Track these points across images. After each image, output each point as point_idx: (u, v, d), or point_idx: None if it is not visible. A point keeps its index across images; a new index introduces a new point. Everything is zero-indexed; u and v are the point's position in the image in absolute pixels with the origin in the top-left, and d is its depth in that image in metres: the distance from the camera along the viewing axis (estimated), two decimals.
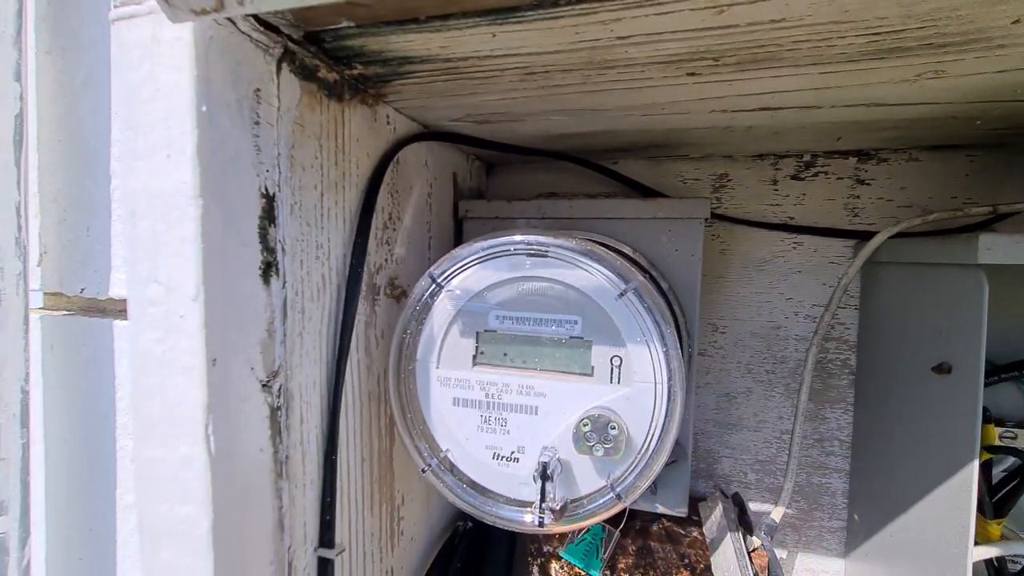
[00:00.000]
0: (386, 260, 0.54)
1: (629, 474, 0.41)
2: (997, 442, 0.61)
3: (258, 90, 0.36)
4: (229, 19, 0.32)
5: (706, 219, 0.63)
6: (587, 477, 0.42)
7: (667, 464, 0.61)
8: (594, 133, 0.64)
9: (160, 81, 0.31)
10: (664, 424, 0.40)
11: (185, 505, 0.32)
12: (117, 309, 0.59)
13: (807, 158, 0.74)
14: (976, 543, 0.59)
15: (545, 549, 0.68)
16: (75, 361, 0.60)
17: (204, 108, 0.31)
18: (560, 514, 0.40)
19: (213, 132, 0.32)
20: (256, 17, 0.34)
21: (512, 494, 0.44)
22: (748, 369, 0.77)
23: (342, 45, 0.39)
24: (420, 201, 0.61)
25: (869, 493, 0.69)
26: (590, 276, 0.42)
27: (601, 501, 0.41)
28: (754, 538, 0.63)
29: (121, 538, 0.59)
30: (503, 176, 0.86)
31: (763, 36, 0.37)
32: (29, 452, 0.60)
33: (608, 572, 0.65)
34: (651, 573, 0.64)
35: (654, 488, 0.63)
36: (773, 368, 0.76)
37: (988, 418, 0.61)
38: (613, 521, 0.65)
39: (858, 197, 0.73)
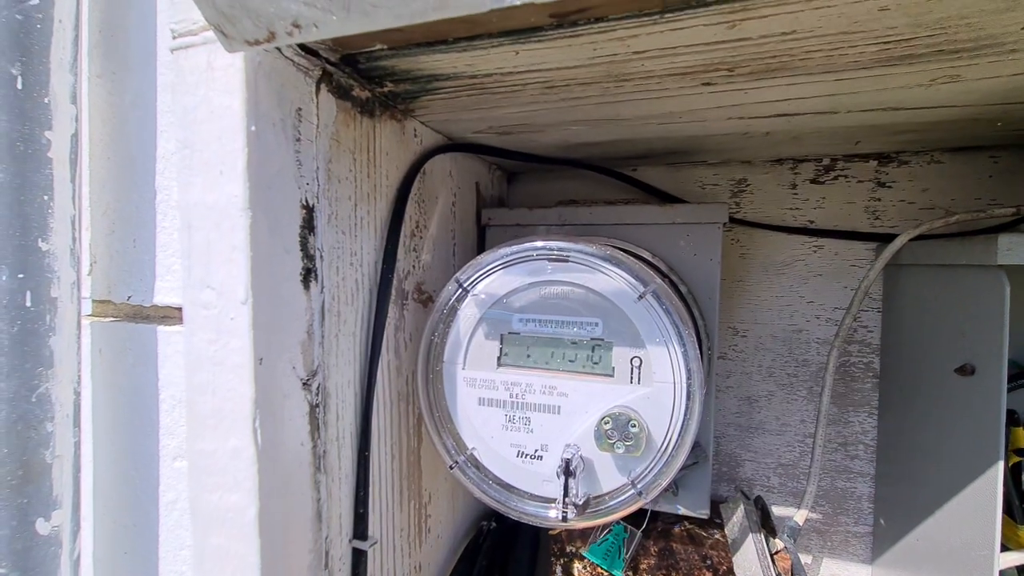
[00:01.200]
0: (413, 266, 0.56)
1: (649, 472, 0.42)
2: None
3: (299, 109, 0.39)
4: (275, 47, 0.35)
5: (724, 223, 0.64)
6: (609, 474, 0.44)
7: (688, 466, 0.62)
8: (613, 142, 0.66)
9: (214, 104, 0.34)
10: (683, 423, 0.42)
11: (234, 493, 0.35)
12: (160, 316, 0.63)
13: (826, 162, 0.75)
14: (1005, 548, 0.59)
15: (568, 549, 0.69)
16: (121, 365, 0.64)
17: (253, 128, 0.34)
18: (583, 509, 0.42)
19: (260, 149, 0.35)
20: (298, 43, 0.37)
21: (536, 490, 0.46)
22: (769, 372, 0.78)
23: (375, 66, 0.42)
24: (445, 210, 0.64)
25: (895, 498, 0.69)
26: (610, 280, 0.44)
27: (622, 498, 0.43)
28: (777, 540, 0.63)
29: (163, 535, 0.62)
30: (523, 185, 0.88)
31: (775, 48, 0.38)
32: (80, 450, 0.64)
33: (630, 573, 0.65)
34: (673, 574, 0.65)
35: (675, 489, 0.63)
36: (795, 371, 0.77)
37: (1016, 420, 0.60)
38: (635, 522, 0.66)
39: (879, 200, 0.73)
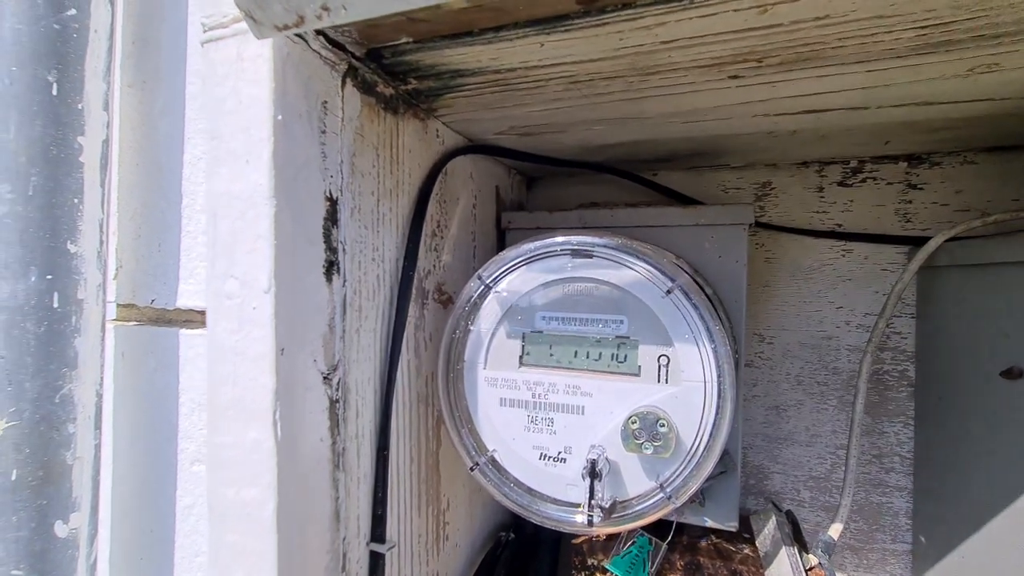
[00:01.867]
0: (434, 266, 0.56)
1: (678, 475, 0.40)
2: None
3: (325, 102, 0.39)
4: (302, 37, 0.36)
5: (750, 225, 0.63)
6: (635, 477, 0.42)
7: (715, 475, 0.59)
8: (635, 142, 0.65)
9: (242, 94, 0.34)
10: (715, 423, 0.40)
11: (252, 488, 0.34)
12: (183, 319, 0.64)
13: (854, 164, 0.73)
14: None
15: (590, 562, 0.66)
16: (143, 368, 0.64)
17: (280, 117, 0.34)
18: (609, 513, 0.40)
19: (287, 139, 0.35)
20: (325, 36, 0.37)
21: (559, 495, 0.44)
22: (798, 381, 0.75)
23: (399, 60, 0.42)
24: (466, 211, 0.64)
25: (936, 513, 0.65)
26: (635, 275, 0.43)
27: (651, 502, 0.41)
28: (810, 556, 0.60)
29: (179, 540, 0.61)
30: (543, 189, 0.88)
31: (807, 34, 0.38)
32: (100, 452, 0.64)
33: None
34: None
35: (702, 500, 0.61)
36: (825, 380, 0.74)
37: None
38: (660, 534, 0.63)
39: (910, 202, 0.71)
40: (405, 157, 0.50)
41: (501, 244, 0.73)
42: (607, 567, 0.63)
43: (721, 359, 0.41)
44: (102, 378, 0.65)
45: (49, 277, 0.56)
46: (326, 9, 0.27)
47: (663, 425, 0.40)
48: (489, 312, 0.47)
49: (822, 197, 0.74)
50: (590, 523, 0.40)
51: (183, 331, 0.63)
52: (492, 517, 0.72)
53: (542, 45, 0.39)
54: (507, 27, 0.36)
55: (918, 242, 0.69)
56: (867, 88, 0.47)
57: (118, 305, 0.67)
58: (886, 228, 0.72)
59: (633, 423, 0.40)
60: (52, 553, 0.57)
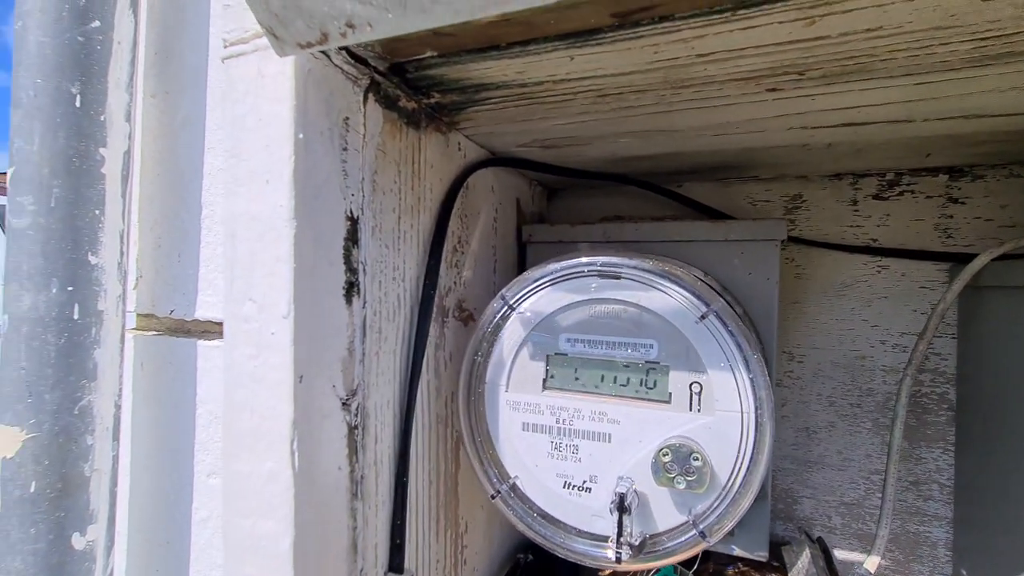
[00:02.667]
0: (455, 283, 0.54)
1: (712, 511, 0.38)
2: None
3: (347, 118, 0.37)
4: (324, 52, 0.34)
5: (782, 241, 0.60)
6: (666, 511, 0.40)
7: None
8: (662, 155, 0.63)
9: (262, 112, 0.33)
10: (753, 456, 0.38)
11: (268, 520, 0.33)
12: (201, 330, 0.63)
13: (891, 176, 0.70)
14: None
15: None
16: (161, 379, 0.64)
17: (301, 135, 0.33)
18: (639, 550, 0.38)
19: (308, 158, 0.33)
20: (348, 51, 0.36)
21: (584, 526, 0.42)
22: (830, 402, 0.72)
23: (423, 75, 0.41)
24: (487, 225, 0.62)
25: (979, 546, 0.62)
26: (667, 298, 0.41)
27: (683, 539, 0.39)
28: None
29: (194, 554, 0.61)
30: (564, 201, 0.86)
31: (855, 47, 0.35)
32: (118, 464, 0.64)
33: None
34: None
35: (731, 528, 0.58)
36: (859, 401, 0.71)
37: None
38: (686, 562, 0.61)
39: (951, 217, 0.67)
40: (427, 172, 0.49)
41: (522, 258, 0.72)
42: None
43: (759, 388, 0.38)
44: (121, 389, 0.64)
45: (70, 288, 0.56)
46: (351, 26, 0.26)
47: (697, 459, 0.38)
48: (512, 333, 0.46)
49: (856, 211, 0.71)
50: (618, 560, 0.38)
51: (201, 342, 0.62)
52: (510, 538, 0.70)
53: (571, 59, 0.38)
54: (536, 41, 0.35)
55: (960, 259, 0.66)
56: (914, 101, 0.44)
57: (137, 315, 0.67)
58: (925, 244, 0.68)
59: (665, 455, 0.38)
60: (69, 566, 0.57)
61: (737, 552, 0.59)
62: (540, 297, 0.45)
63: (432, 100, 0.46)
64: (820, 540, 0.65)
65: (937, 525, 0.67)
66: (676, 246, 0.64)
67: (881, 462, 0.69)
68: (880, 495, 0.69)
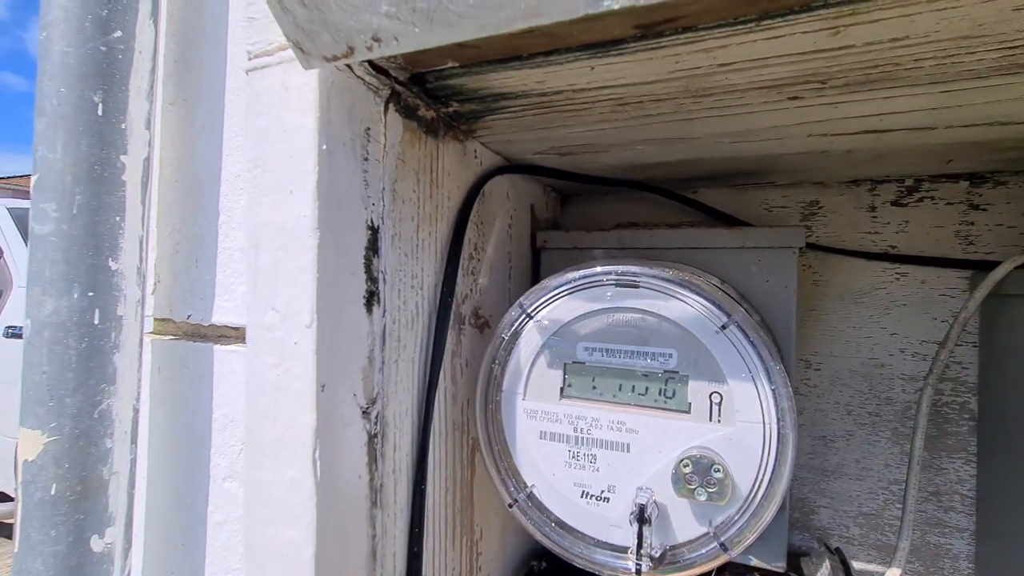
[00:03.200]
0: (471, 290, 0.54)
1: (733, 523, 0.38)
2: None
3: (368, 129, 0.38)
4: (348, 64, 0.35)
5: (800, 248, 0.59)
6: (685, 523, 0.40)
7: None
8: (679, 162, 0.63)
9: (286, 124, 0.33)
10: (775, 469, 0.37)
11: (291, 528, 0.33)
12: (218, 335, 0.64)
13: (909, 183, 0.69)
14: None
15: None
16: (178, 383, 0.64)
17: (324, 146, 0.33)
18: (660, 562, 0.38)
19: (331, 168, 0.34)
20: (370, 62, 0.36)
21: (602, 536, 0.42)
22: (848, 410, 0.71)
23: (443, 84, 0.41)
24: (502, 232, 0.62)
25: (1004, 557, 0.61)
26: (687, 307, 0.41)
27: (703, 551, 0.38)
28: None
29: (210, 557, 0.61)
30: (578, 207, 0.86)
31: (880, 56, 0.35)
32: (136, 467, 0.64)
33: None
34: None
35: None
36: (877, 410, 0.70)
37: None
38: (703, 573, 0.60)
39: (972, 224, 0.66)
40: (444, 180, 0.49)
41: (536, 264, 0.72)
42: None
43: (781, 399, 0.38)
44: (139, 393, 0.65)
45: (91, 294, 0.56)
46: (377, 40, 0.26)
47: (718, 470, 0.37)
48: (529, 341, 0.46)
49: (874, 217, 0.70)
50: (639, 572, 0.38)
51: (218, 347, 0.63)
52: (523, 545, 0.70)
53: (592, 68, 0.38)
54: (558, 52, 0.35)
55: (981, 266, 0.65)
56: (938, 109, 0.44)
57: (155, 319, 0.68)
58: (945, 251, 0.67)
59: (685, 466, 0.38)
60: (87, 568, 0.57)
61: (755, 563, 0.59)
62: (558, 305, 0.45)
63: (451, 109, 0.46)
64: (839, 551, 0.64)
65: (959, 537, 0.66)
66: (692, 253, 0.63)
67: (900, 472, 0.68)
68: (900, 506, 0.68)
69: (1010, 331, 0.61)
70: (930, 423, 0.67)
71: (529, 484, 0.45)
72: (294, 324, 0.33)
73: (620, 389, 0.44)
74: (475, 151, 0.55)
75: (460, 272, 0.52)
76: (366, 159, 0.38)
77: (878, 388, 0.70)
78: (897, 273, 0.69)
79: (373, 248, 0.38)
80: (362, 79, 0.37)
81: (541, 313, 0.45)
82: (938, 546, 0.67)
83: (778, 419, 0.37)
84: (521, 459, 0.46)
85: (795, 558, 0.63)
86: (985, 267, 0.59)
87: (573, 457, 0.44)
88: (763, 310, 0.60)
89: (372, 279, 0.38)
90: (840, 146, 0.55)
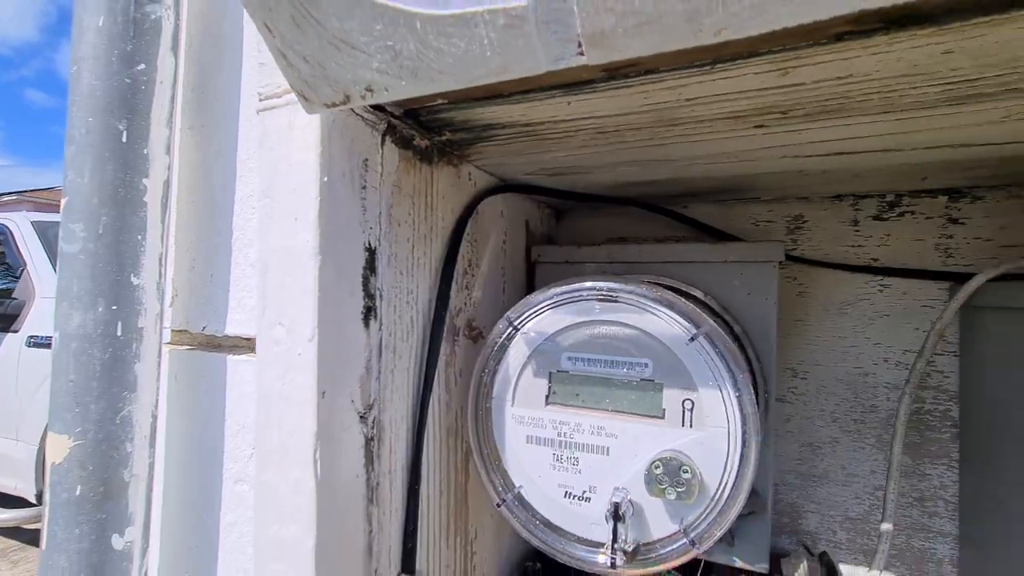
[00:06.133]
0: (465, 303, 0.58)
1: (702, 520, 0.41)
2: None
3: (366, 160, 0.42)
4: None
5: (780, 262, 0.62)
6: (659, 521, 0.43)
7: (744, 515, 0.59)
8: (662, 181, 0.66)
9: (293, 159, 0.37)
10: (739, 470, 0.40)
11: (294, 524, 0.37)
12: (231, 345, 0.68)
13: (891, 198, 0.72)
14: None
15: None
16: (194, 391, 0.69)
17: (326, 179, 0.37)
18: (632, 556, 0.41)
19: (331, 198, 0.38)
20: None
21: (584, 533, 0.45)
22: (833, 418, 0.73)
23: (435, 118, 0.45)
24: (496, 248, 0.66)
25: (986, 562, 0.62)
26: (660, 321, 0.44)
27: (674, 547, 0.41)
28: None
29: (222, 556, 0.65)
30: (572, 221, 0.89)
31: (830, 91, 0.38)
32: (154, 471, 0.68)
33: None
34: None
35: (731, 539, 0.60)
36: (862, 417, 0.72)
37: None
38: (687, 572, 0.63)
39: (951, 237, 0.69)
40: (439, 203, 0.53)
41: (531, 277, 0.75)
42: None
43: (745, 405, 0.41)
44: (157, 400, 0.69)
45: (114, 307, 0.61)
46: (370, 91, 0.30)
47: (686, 471, 0.40)
48: (517, 352, 0.49)
49: (857, 231, 0.73)
50: (612, 565, 0.41)
51: (231, 356, 0.67)
52: (518, 547, 0.73)
53: (569, 103, 0.41)
54: (534, 91, 0.39)
55: (960, 278, 0.67)
56: (898, 134, 0.47)
57: (172, 331, 0.72)
58: (926, 263, 0.70)
59: (657, 468, 0.41)
60: (108, 565, 0.61)
61: (738, 564, 0.61)
62: (543, 319, 0.48)
63: (444, 137, 0.50)
64: (824, 555, 0.66)
65: (942, 541, 0.68)
66: (678, 267, 0.67)
67: (885, 478, 0.70)
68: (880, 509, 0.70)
69: (986, 341, 0.63)
70: (913, 430, 0.70)
71: (517, 485, 0.48)
72: (298, 337, 0.37)
73: (601, 396, 0.47)
74: (469, 173, 0.59)
75: (455, 287, 0.56)
76: (364, 187, 0.42)
77: (862, 396, 0.72)
78: (880, 285, 0.72)
79: (371, 268, 0.42)
80: (361, 116, 0.41)
81: (527, 325, 0.49)
82: (923, 550, 0.69)
83: (742, 423, 0.40)
84: (510, 462, 0.49)
85: (776, 560, 0.65)
86: (963, 279, 0.61)
87: (557, 460, 0.47)
88: (745, 322, 0.63)
89: (369, 296, 0.42)
90: (815, 166, 0.58)
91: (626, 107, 0.42)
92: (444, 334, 0.54)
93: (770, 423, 0.62)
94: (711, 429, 0.42)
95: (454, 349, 0.55)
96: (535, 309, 0.48)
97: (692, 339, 0.42)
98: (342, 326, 0.39)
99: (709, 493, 0.41)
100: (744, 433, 0.41)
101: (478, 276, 0.61)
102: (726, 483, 0.41)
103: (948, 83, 0.37)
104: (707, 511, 0.41)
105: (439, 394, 0.53)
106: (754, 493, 0.62)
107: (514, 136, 0.49)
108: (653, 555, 0.42)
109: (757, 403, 0.57)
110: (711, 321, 0.43)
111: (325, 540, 0.37)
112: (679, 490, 0.40)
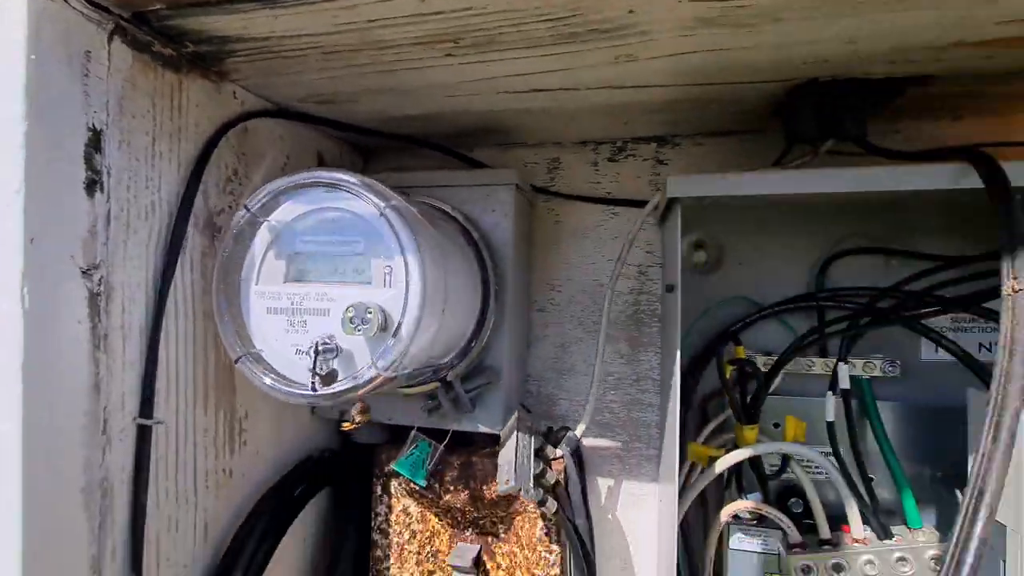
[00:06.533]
0: (229, 206, 0.66)
1: (388, 352, 0.53)
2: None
3: (88, 52, 0.48)
4: None
5: (516, 185, 0.77)
6: (360, 356, 0.54)
7: (483, 385, 0.73)
8: (423, 116, 0.78)
9: (2, 36, 0.43)
10: (417, 317, 0.52)
11: (3, 348, 0.43)
12: None
13: (620, 144, 0.90)
14: (736, 447, 0.73)
15: (387, 469, 0.78)
16: None
17: (33, 56, 0.43)
18: (328, 380, 0.52)
19: (40, 75, 0.44)
20: None
21: (306, 379, 0.56)
22: (579, 322, 0.91)
23: (166, 25, 0.52)
24: (274, 168, 0.74)
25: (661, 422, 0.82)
26: (364, 203, 0.55)
27: (366, 371, 0.53)
28: (556, 450, 0.74)
29: None
30: (380, 164, 0.99)
31: (468, 22, 0.51)
32: None
33: (435, 482, 0.75)
34: (471, 482, 0.75)
35: (472, 408, 0.74)
36: (599, 319, 0.89)
37: (737, 339, 0.75)
38: (439, 439, 0.76)
39: (659, 175, 0.88)
40: (192, 110, 0.60)
41: None
42: (394, 467, 0.75)
43: (425, 268, 0.53)
44: None
45: None
46: None
47: (370, 312, 0.52)
48: (260, 238, 0.58)
49: (597, 170, 0.91)
50: (313, 389, 0.52)
51: None
52: (307, 441, 0.82)
53: (276, 18, 0.51)
54: (230, 2, 0.47)
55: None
56: (556, 71, 0.62)
57: None
58: (644, 195, 0.89)
59: (349, 312, 0.52)
60: None
61: (481, 429, 0.75)
62: (280, 206, 0.57)
63: (188, 49, 0.57)
64: (522, 405, 0.81)
65: (652, 411, 0.87)
66: (442, 190, 0.79)
67: (615, 366, 0.89)
68: (614, 392, 0.88)
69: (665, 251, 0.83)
70: (633, 326, 0.88)
71: (257, 348, 0.57)
72: (6, 190, 0.43)
73: (326, 272, 0.57)
74: (234, 92, 0.66)
75: (215, 189, 0.63)
76: (86, 75, 0.48)
77: (599, 302, 0.89)
78: (611, 213, 0.90)
79: (95, 146, 0.49)
80: (80, 11, 0.47)
81: (270, 214, 0.58)
82: (638, 420, 0.88)
83: (422, 283, 0.53)
84: (253, 330, 0.58)
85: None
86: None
87: (291, 325, 0.57)
88: (489, 234, 0.77)
89: (95, 171, 0.49)
90: (529, 104, 0.73)
91: (327, 25, 0.52)
92: (202, 229, 0.62)
93: (506, 313, 0.77)
94: (399, 286, 0.54)
95: (213, 243, 0.63)
96: (272, 196, 0.57)
97: (381, 214, 0.53)
98: (59, 188, 0.45)
99: (390, 330, 0.53)
100: (423, 287, 0.53)
101: (247, 187, 0.69)
102: (407, 323, 0.53)
103: (550, 19, 0.51)
104: (392, 345, 0.53)
105: (193, 279, 0.60)
106: (491, 368, 0.76)
107: (253, 53, 0.58)
108: (347, 377, 0.53)
109: (488, 292, 0.71)
110: (399, 198, 0.55)
111: (33, 362, 0.43)
112: (365, 327, 0.52)
